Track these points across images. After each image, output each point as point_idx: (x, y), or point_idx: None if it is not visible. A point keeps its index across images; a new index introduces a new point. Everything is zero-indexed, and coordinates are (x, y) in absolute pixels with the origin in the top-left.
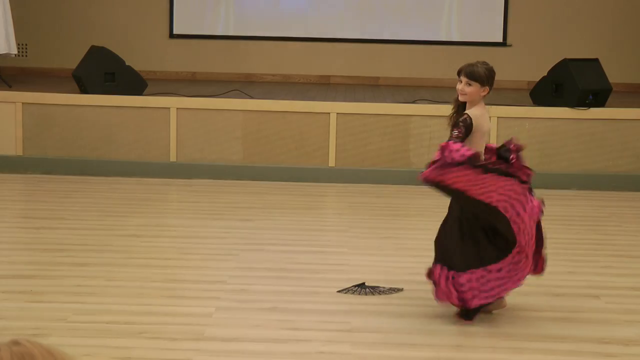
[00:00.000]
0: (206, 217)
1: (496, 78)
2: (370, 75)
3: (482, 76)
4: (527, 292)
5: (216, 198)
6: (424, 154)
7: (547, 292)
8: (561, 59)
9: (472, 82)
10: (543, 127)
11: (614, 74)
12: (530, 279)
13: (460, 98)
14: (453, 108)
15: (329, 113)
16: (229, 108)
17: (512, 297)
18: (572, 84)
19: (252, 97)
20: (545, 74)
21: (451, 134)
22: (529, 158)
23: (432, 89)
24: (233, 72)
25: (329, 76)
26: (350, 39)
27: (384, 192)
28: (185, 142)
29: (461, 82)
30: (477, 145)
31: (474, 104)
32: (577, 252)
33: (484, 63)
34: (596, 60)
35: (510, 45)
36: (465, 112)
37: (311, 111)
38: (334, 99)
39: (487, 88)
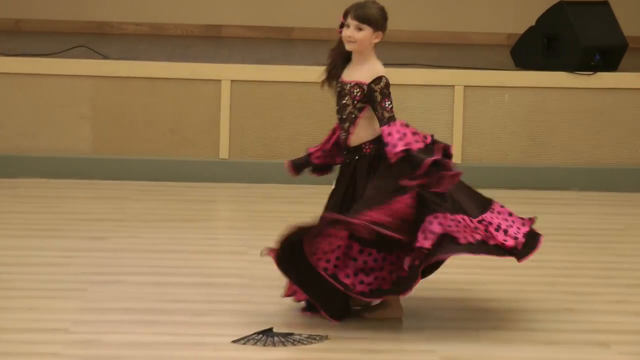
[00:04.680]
0: (37, 234)
1: (464, 30)
2: (280, 25)
3: (376, 17)
4: (509, 339)
5: (53, 206)
6: None
7: (538, 339)
8: (556, 0)
9: (364, 26)
10: (530, 101)
11: (631, 24)
12: (514, 319)
13: (348, 47)
14: (330, 64)
15: (220, 80)
16: (71, 73)
17: (490, 345)
18: (572, 38)
19: (106, 57)
20: (534, 24)
21: (381, 107)
22: (510, 143)
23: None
24: (77, 20)
25: (220, 26)
26: None
27: (299, 195)
28: (5, 124)
29: (348, 26)
30: (374, 122)
31: (363, 56)
32: (579, 282)
33: (374, 2)
34: (606, 3)
35: None
36: (380, 72)
37: (194, 78)
38: (227, 60)
39: (381, 34)
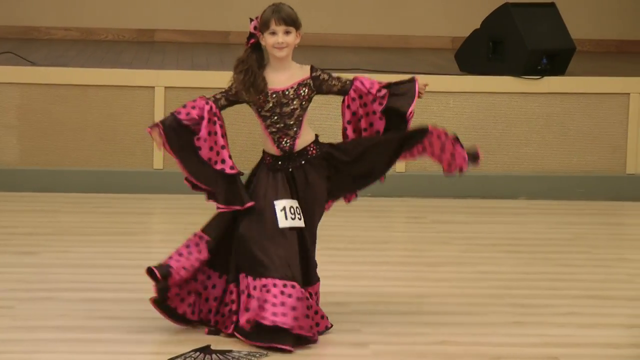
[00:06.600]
0: None
1: (406, 33)
2: (216, 29)
3: (297, 17)
4: (455, 354)
5: None
6: None
7: (486, 353)
8: (501, 3)
9: (290, 29)
10: (476, 106)
11: (579, 26)
12: (461, 333)
13: (280, 54)
14: (249, 76)
15: (154, 87)
16: None
17: None
18: (518, 41)
19: (33, 64)
20: (478, 27)
21: (336, 78)
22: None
23: (312, 49)
24: (2, 24)
25: (153, 31)
26: None
27: None
28: None
29: (275, 33)
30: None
31: (288, 59)
32: (527, 293)
33: (282, 2)
34: (552, 5)
35: None
36: (307, 65)
37: (126, 84)
38: (160, 66)
39: (300, 32)
